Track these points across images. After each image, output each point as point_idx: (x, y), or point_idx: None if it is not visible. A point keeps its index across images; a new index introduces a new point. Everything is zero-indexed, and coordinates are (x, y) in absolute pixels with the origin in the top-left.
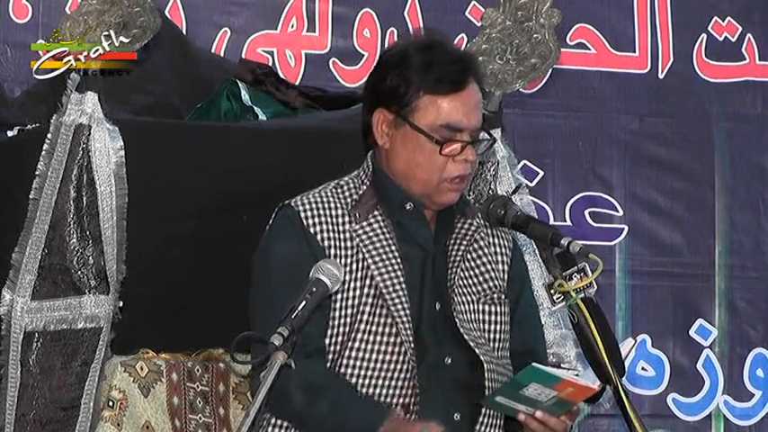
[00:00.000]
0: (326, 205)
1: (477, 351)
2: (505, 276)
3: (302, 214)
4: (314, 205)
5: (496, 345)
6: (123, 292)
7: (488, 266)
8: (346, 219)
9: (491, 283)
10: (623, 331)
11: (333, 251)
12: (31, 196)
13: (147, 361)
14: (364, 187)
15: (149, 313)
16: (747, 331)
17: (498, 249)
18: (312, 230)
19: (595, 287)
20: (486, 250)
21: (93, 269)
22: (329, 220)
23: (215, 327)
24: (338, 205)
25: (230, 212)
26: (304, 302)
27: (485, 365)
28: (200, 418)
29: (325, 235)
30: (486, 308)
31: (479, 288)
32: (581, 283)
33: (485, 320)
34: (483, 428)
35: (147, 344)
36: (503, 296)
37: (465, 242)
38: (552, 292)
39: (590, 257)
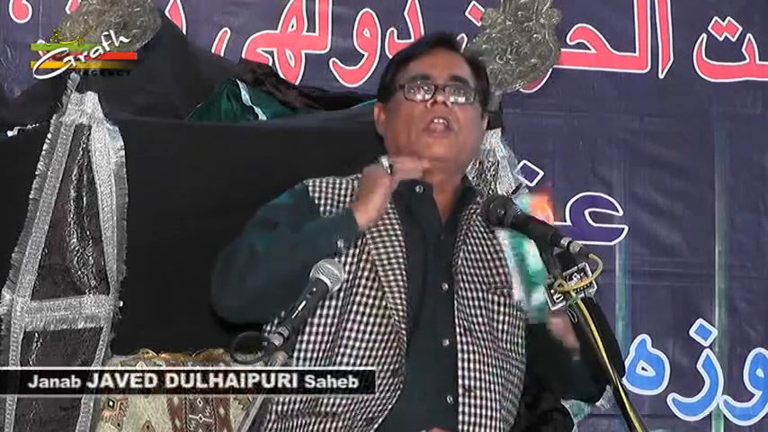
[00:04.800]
0: (337, 188)
1: (458, 338)
2: None
3: (310, 188)
4: (324, 184)
5: (505, 336)
6: (123, 292)
7: (504, 261)
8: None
9: (504, 278)
10: (623, 331)
11: None
12: (31, 196)
13: (147, 361)
14: None
15: (149, 313)
16: (747, 331)
17: None
18: (317, 202)
19: (595, 287)
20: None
21: (93, 269)
22: (335, 197)
23: (215, 327)
24: (349, 190)
25: (230, 212)
26: (304, 302)
27: (458, 354)
28: (201, 418)
29: (328, 208)
30: (496, 298)
31: (490, 279)
32: (581, 283)
33: (494, 310)
34: (472, 411)
35: (147, 344)
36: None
37: (475, 230)
38: (552, 292)
39: (590, 257)
